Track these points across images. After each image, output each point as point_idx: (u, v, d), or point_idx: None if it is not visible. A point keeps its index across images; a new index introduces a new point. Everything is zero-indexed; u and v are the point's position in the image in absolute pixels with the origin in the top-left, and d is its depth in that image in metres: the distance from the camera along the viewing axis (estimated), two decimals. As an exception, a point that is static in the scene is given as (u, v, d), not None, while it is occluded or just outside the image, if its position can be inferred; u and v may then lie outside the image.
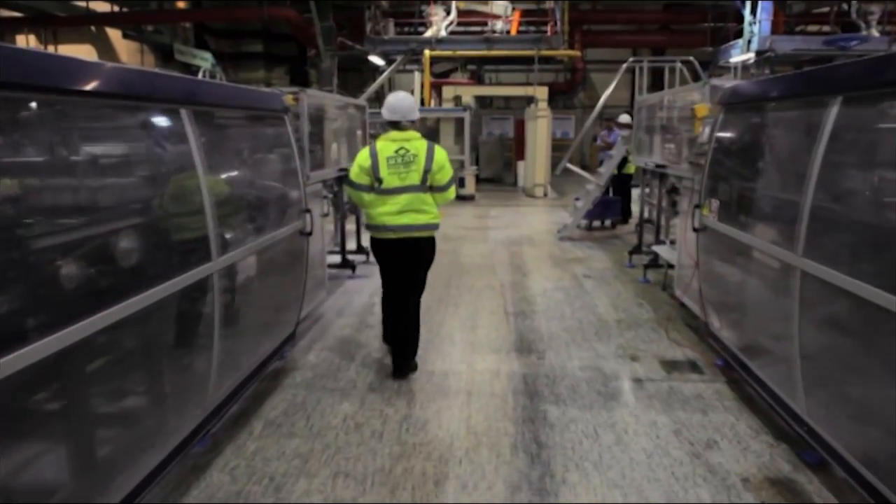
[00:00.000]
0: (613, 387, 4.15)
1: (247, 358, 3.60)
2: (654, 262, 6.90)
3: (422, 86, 16.78)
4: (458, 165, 14.60)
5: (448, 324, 5.50)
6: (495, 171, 18.60)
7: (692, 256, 4.78)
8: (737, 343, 4.05)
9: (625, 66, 13.69)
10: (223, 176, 3.43)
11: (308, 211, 4.36)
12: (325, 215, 6.32)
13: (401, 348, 4.30)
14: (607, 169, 9.19)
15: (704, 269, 4.63)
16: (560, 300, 6.20)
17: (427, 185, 4.07)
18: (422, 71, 16.70)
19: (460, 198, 14.39)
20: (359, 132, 7.60)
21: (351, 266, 7.16)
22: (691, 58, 13.05)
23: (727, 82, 5.13)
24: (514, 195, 15.74)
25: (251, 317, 3.72)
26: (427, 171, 4.03)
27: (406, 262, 4.18)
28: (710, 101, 5.11)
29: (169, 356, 2.87)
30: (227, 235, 3.22)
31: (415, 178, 4.02)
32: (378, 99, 26.00)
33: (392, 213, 4.04)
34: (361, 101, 7.57)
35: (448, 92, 15.31)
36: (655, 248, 6.65)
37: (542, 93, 14.95)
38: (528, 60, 17.09)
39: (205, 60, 22.32)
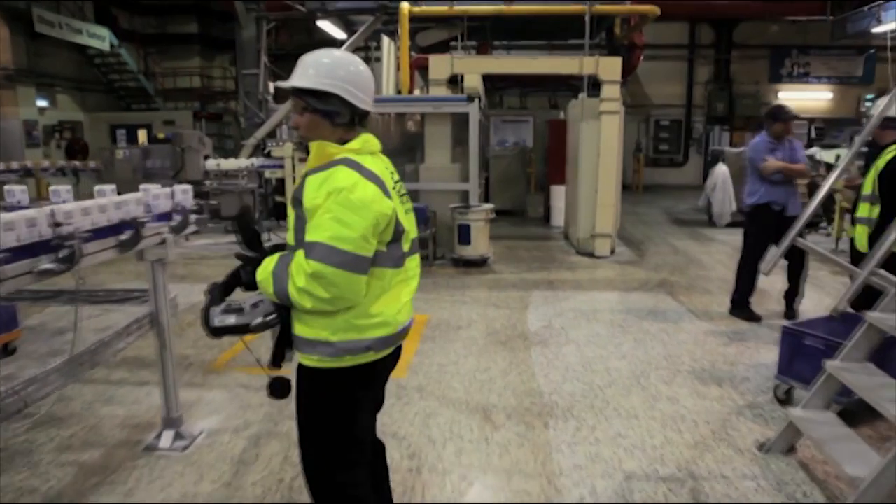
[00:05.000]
0: None
1: None
2: None
3: (397, 62, 10.09)
4: (460, 199, 7.91)
5: None
6: (514, 199, 11.92)
7: None
8: None
9: None
10: None
11: None
12: None
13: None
14: None
15: None
16: None
17: None
18: (396, 37, 10.01)
19: (465, 263, 7.67)
20: None
21: None
22: None
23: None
24: (553, 249, 9.02)
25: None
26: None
27: (386, 379, 2.29)
28: None
29: None
30: None
31: (414, 223, 2.14)
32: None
33: (407, 301, 2.10)
34: None
35: (440, 69, 8.53)
36: None
37: (609, 68, 8.13)
38: (559, 30, 10.48)
39: (98, 39, 15.88)
